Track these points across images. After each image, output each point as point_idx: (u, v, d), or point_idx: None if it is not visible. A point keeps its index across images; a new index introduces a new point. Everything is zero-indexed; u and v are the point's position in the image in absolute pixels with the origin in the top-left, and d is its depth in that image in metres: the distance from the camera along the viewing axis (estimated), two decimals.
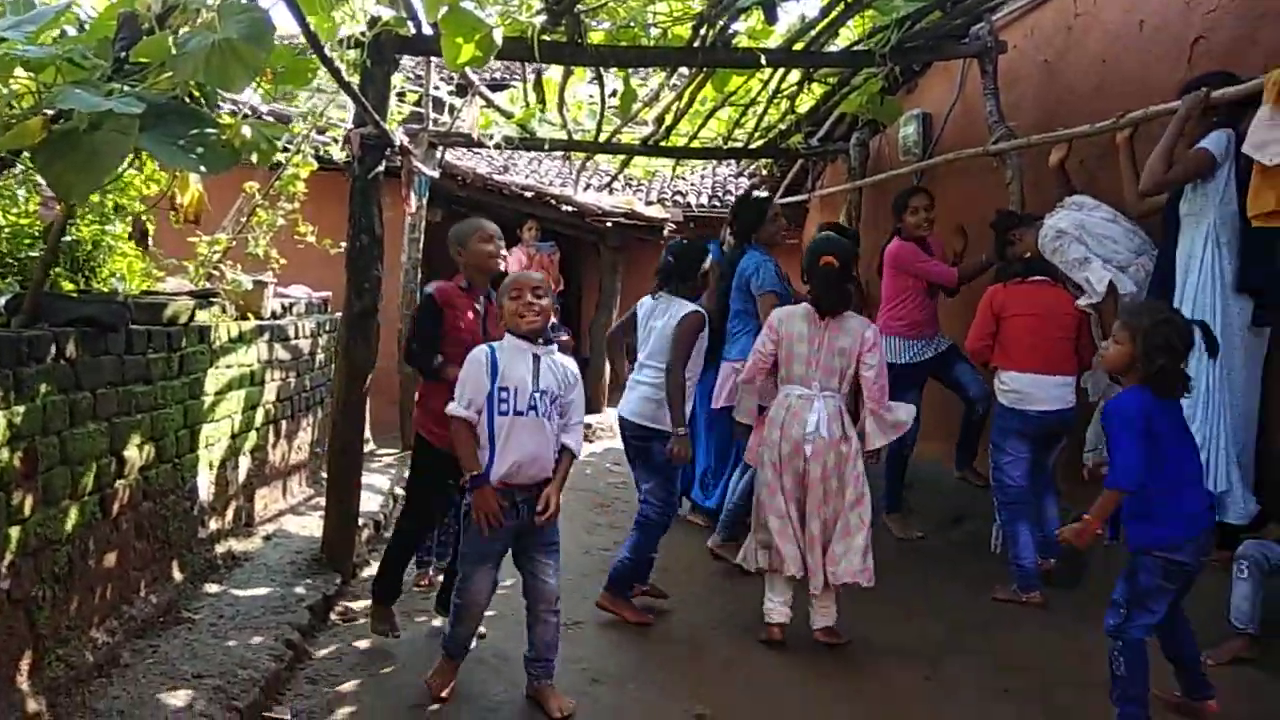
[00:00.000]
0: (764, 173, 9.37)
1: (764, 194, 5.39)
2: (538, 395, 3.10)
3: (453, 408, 3.13)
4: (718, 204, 11.41)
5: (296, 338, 5.25)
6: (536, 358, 3.14)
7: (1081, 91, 4.99)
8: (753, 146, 7.48)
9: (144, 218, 4.12)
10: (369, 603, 3.89)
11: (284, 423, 5.14)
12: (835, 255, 3.73)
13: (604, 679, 3.38)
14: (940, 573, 4.68)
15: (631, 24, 4.86)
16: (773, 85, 6.32)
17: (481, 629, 3.58)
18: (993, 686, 3.35)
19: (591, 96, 6.59)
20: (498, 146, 6.84)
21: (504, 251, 3.75)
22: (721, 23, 4.67)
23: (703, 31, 4.74)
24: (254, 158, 3.02)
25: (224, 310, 4.39)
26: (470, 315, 3.63)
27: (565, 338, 4.01)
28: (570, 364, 3.27)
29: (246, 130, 2.96)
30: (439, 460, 3.53)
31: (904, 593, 4.30)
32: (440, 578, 4.05)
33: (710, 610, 4.14)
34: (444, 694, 3.17)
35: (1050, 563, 4.33)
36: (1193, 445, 3.03)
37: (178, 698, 2.89)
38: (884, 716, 3.14)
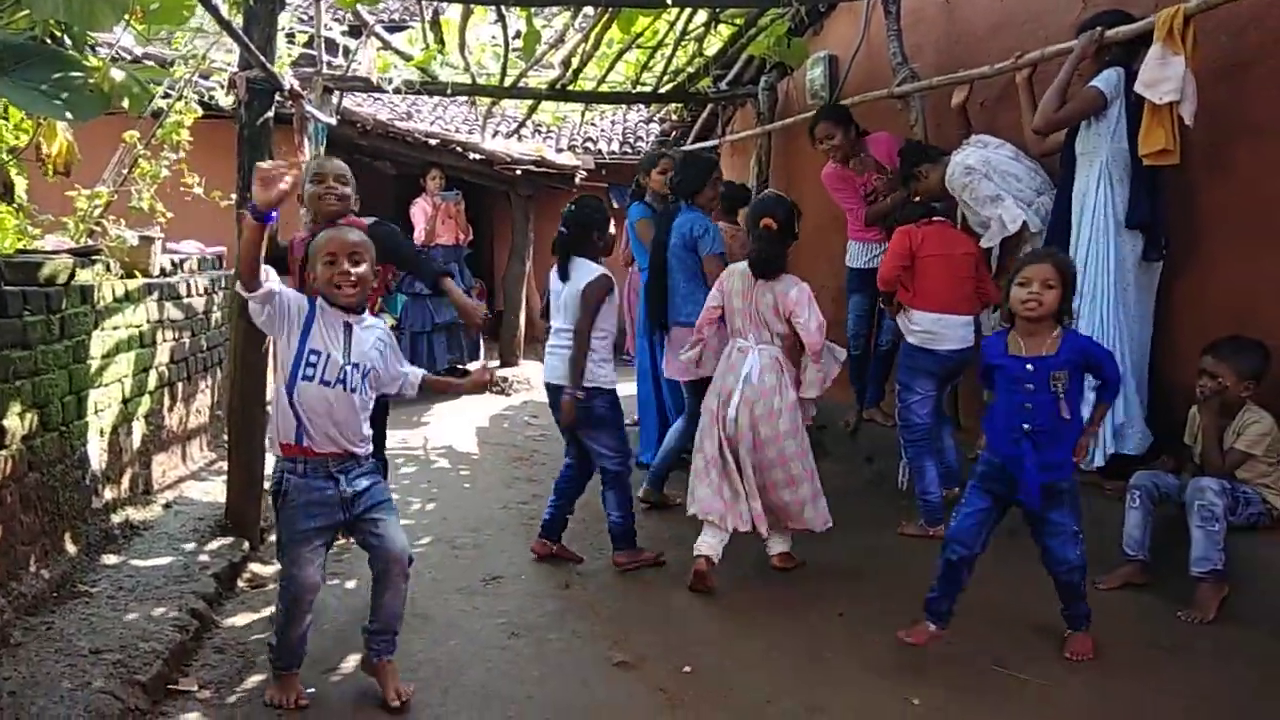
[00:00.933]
0: (674, 118, 9.27)
1: (711, 156, 5.36)
2: (350, 368, 2.81)
3: (262, 292, 2.74)
4: (629, 150, 11.28)
5: (189, 295, 5.01)
6: (349, 326, 2.84)
7: (981, 32, 5.05)
8: (662, 91, 7.38)
9: (11, 170, 3.83)
10: (277, 567, 3.77)
11: (180, 385, 4.92)
12: (774, 217, 3.83)
13: (523, 632, 3.36)
14: (850, 511, 4.78)
15: None
16: (680, 26, 6.22)
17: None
18: (904, 620, 3.44)
19: (494, 38, 6.38)
20: (397, 91, 6.58)
21: (342, 190, 3.57)
22: None
23: None
24: (125, 103, 2.81)
25: (108, 268, 4.14)
26: None
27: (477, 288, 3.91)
28: (378, 326, 2.98)
29: (117, 74, 2.76)
30: None
31: (816, 532, 4.39)
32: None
33: None
34: (302, 701, 2.84)
35: (955, 492, 4.47)
36: None
37: (74, 675, 2.75)
38: (800, 655, 3.20)
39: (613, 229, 4.09)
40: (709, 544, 3.76)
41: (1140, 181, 3.75)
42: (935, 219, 4.39)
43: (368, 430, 2.93)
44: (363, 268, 2.83)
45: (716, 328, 4.07)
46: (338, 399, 2.79)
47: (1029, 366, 2.96)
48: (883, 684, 2.97)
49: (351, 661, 3.14)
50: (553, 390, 4.04)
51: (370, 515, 2.88)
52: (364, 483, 2.88)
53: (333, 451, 2.82)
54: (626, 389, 4.73)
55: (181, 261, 5.19)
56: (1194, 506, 3.28)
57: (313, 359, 2.78)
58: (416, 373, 3.10)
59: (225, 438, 4.77)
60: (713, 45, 6.76)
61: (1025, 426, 2.96)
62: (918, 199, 4.57)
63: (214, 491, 4.65)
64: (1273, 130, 3.47)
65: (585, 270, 3.94)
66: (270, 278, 2.76)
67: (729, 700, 2.89)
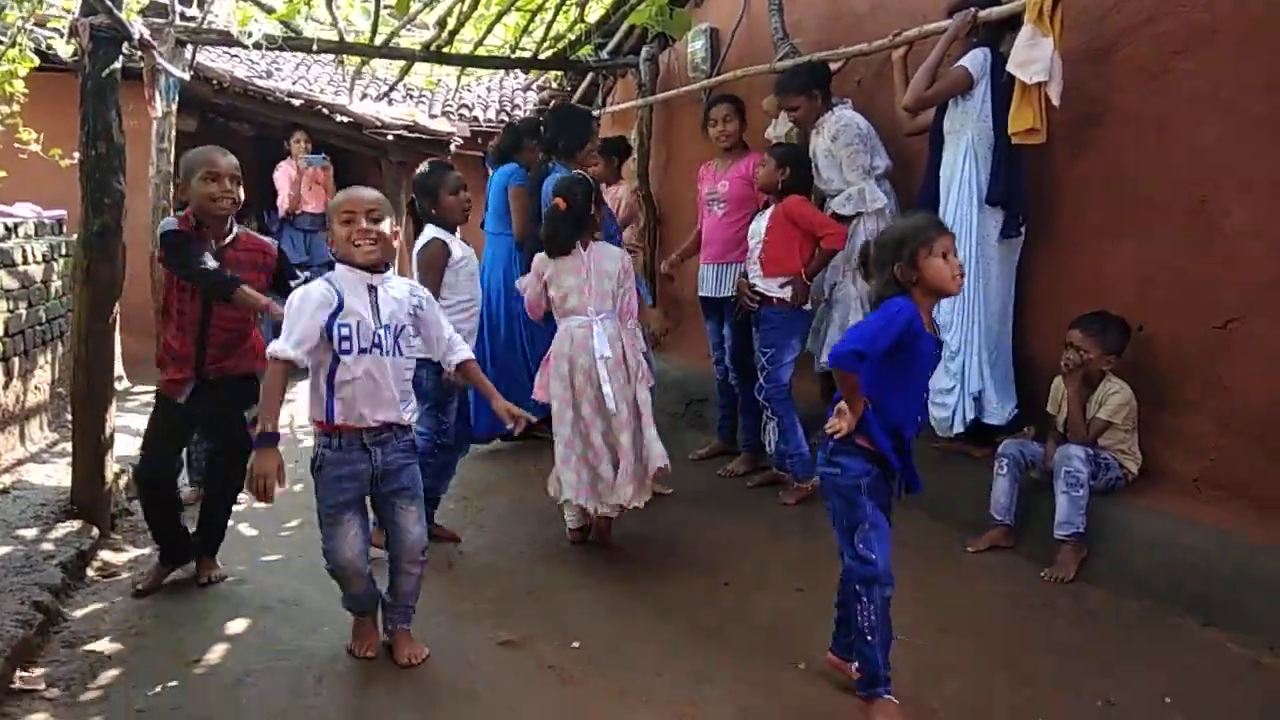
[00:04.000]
0: (553, 86, 9.10)
1: (586, 109, 5.12)
2: (382, 331, 2.78)
3: (278, 346, 2.68)
4: (506, 118, 11.03)
5: (25, 263, 4.59)
6: (373, 288, 2.79)
7: (861, 10, 5.12)
8: (541, 57, 7.21)
9: None
10: (131, 555, 3.54)
11: (16, 360, 4.51)
12: (566, 198, 3.74)
13: None
14: (729, 485, 4.84)
15: None
16: None
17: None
18: (785, 586, 3.51)
19: None
20: (257, 46, 6.16)
21: (235, 193, 3.26)
22: None
23: None
24: None
25: None
26: None
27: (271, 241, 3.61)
28: (408, 285, 2.96)
29: None
30: (178, 414, 3.38)
31: (698, 503, 4.42)
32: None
33: (513, 537, 4.08)
34: (370, 653, 2.95)
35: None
36: None
37: None
38: (687, 625, 3.21)
39: (464, 195, 3.90)
40: (575, 519, 3.85)
41: (1001, 160, 3.88)
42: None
43: (409, 397, 2.92)
44: (383, 225, 2.80)
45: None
46: (374, 365, 2.77)
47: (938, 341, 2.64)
48: (770, 650, 3.00)
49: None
50: None
51: (393, 500, 2.90)
52: (396, 461, 2.87)
53: (368, 425, 2.80)
54: None
55: (16, 225, 4.76)
56: (1060, 472, 3.44)
57: (344, 330, 2.72)
58: (462, 347, 3.06)
59: (69, 417, 4.41)
60: (594, 12, 6.65)
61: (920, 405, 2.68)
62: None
63: (57, 475, 4.30)
64: (1131, 113, 3.65)
65: (423, 236, 3.85)
66: (296, 354, 2.69)
67: (619, 674, 2.86)
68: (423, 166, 4.03)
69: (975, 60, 3.89)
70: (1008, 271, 4.03)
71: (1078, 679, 2.81)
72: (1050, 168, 3.98)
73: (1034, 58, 3.52)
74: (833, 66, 4.79)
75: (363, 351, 2.75)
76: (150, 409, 3.49)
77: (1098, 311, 3.58)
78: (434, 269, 3.74)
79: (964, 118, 3.95)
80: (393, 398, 2.83)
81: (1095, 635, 3.07)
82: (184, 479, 4.59)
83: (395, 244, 2.88)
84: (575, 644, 3.04)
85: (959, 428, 3.99)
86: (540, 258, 3.85)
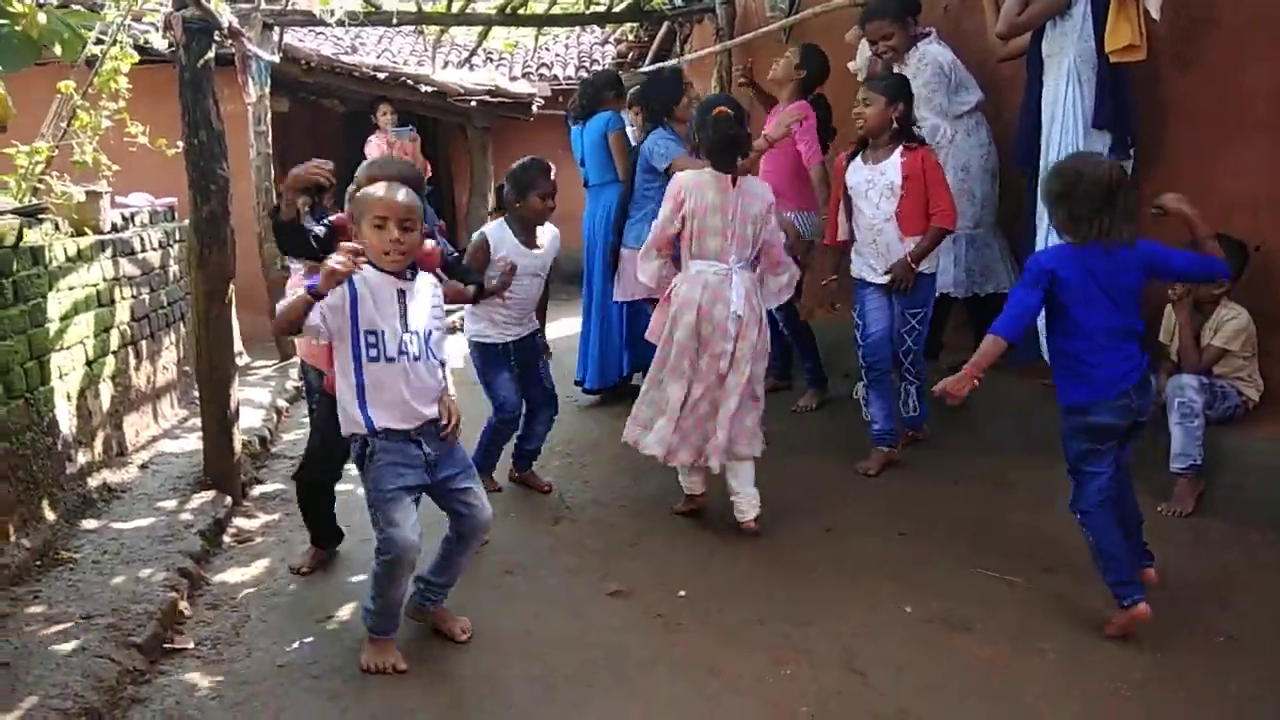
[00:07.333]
0: (630, 38, 9.03)
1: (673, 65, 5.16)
2: (408, 337, 2.69)
3: (312, 318, 2.54)
4: (585, 74, 11.01)
5: (144, 250, 4.85)
6: (402, 293, 2.70)
7: None
8: (616, 10, 7.16)
9: None
10: (262, 520, 3.75)
11: (144, 343, 4.80)
12: (727, 104, 3.53)
13: (517, 570, 3.37)
14: (835, 431, 4.82)
15: None
16: None
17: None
18: (887, 530, 3.51)
19: None
20: (340, 23, 6.31)
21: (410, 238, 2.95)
22: None
23: None
24: (58, 49, 2.66)
25: (57, 227, 3.99)
26: None
27: (433, 243, 3.39)
28: (430, 284, 2.82)
29: (44, 18, 2.60)
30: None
31: (795, 449, 4.43)
32: None
33: (615, 490, 4.16)
34: (400, 667, 2.74)
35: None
36: (1118, 301, 2.62)
37: (67, 642, 2.73)
38: (790, 572, 3.25)
39: (551, 203, 3.85)
40: (697, 483, 3.71)
41: (1106, 80, 3.70)
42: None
43: (440, 389, 2.80)
44: (413, 235, 2.67)
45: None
46: (408, 370, 2.68)
47: None
48: (874, 594, 3.02)
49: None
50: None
51: (459, 484, 2.82)
52: (445, 445, 2.79)
53: (412, 426, 2.71)
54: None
55: (132, 215, 5.02)
56: (1174, 403, 3.32)
57: (370, 339, 2.64)
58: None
59: (196, 394, 4.68)
60: None
61: None
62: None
63: (190, 449, 4.58)
64: (1241, 23, 3.43)
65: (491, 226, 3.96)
66: (312, 319, 2.55)
67: (724, 620, 2.93)
68: (523, 161, 3.91)
69: None
70: None
71: (1197, 612, 2.74)
72: (1155, 85, 3.78)
73: None
74: None
75: (389, 360, 2.66)
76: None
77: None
78: (474, 264, 3.75)
79: (1063, 39, 3.77)
80: (431, 398, 2.74)
81: (1215, 568, 2.99)
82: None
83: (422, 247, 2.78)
84: (681, 593, 3.12)
85: None
86: (687, 178, 3.49)
